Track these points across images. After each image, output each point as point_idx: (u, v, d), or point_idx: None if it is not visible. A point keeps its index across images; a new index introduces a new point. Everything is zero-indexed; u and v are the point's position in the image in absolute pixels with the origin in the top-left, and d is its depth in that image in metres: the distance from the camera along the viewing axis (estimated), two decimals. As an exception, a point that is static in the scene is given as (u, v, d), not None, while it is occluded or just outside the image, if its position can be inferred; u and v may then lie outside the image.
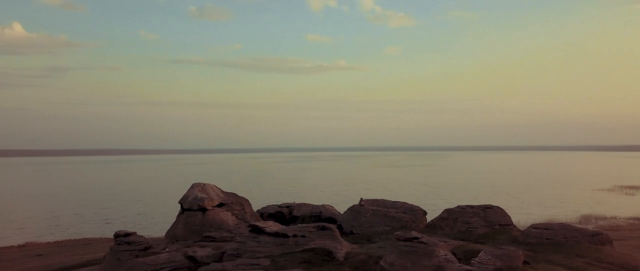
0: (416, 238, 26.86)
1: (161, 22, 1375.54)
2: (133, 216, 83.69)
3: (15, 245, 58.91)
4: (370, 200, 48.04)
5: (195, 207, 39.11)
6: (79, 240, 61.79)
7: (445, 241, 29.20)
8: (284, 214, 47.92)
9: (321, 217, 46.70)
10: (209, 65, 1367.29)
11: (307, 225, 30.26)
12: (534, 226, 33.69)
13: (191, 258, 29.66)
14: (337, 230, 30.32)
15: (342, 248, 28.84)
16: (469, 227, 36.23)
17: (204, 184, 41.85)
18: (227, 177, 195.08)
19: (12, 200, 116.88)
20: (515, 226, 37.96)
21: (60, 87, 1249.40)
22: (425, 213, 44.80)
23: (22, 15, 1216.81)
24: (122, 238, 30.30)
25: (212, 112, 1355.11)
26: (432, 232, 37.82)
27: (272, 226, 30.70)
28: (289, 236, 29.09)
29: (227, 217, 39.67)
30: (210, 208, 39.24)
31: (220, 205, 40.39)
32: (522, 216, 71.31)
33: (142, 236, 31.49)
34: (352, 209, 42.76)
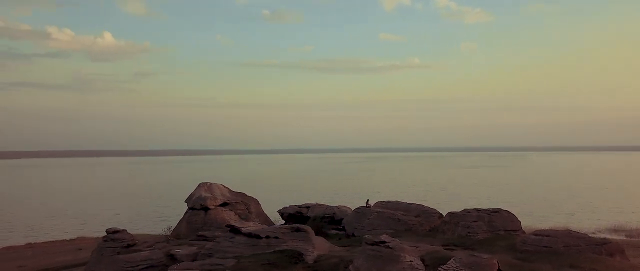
0: (383, 242, 25.68)
1: (236, 27, 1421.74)
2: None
3: (67, 239, 62.82)
4: (384, 201, 46.71)
5: (198, 206, 39.87)
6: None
7: (417, 247, 27.63)
8: (303, 214, 47.70)
9: (334, 218, 46.02)
10: (281, 67, 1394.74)
11: (282, 226, 29.88)
12: (536, 233, 31.14)
13: (170, 257, 30.20)
14: (312, 231, 29.66)
15: (314, 250, 28.15)
16: (469, 232, 34.12)
17: (210, 183, 42.57)
18: (297, 176, 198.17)
19: (90, 196, 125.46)
20: (524, 232, 35.25)
21: (145, 90, 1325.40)
22: (441, 216, 42.85)
23: (111, 25, 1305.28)
24: (110, 235, 31.45)
25: (284, 114, 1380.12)
26: (431, 236, 36.11)
27: (250, 226, 30.59)
28: (261, 238, 28.83)
29: (229, 217, 40.06)
30: (213, 207, 39.83)
31: (224, 204, 40.87)
32: (593, 222, 66.07)
33: (129, 234, 32.52)
34: (357, 210, 41.73)
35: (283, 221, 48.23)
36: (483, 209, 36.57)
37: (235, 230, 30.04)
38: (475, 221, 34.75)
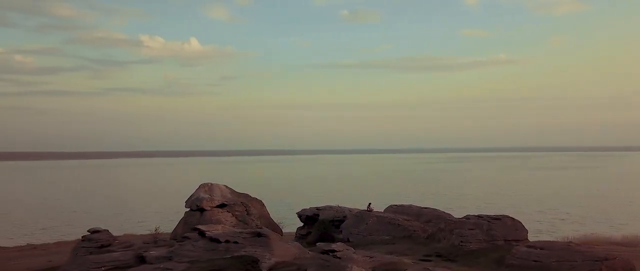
0: (333, 251, 23.62)
1: (315, 29, 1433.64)
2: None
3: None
4: (396, 205, 43.94)
5: (194, 207, 39.58)
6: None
7: (372, 257, 25.07)
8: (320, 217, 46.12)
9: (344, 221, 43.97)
10: (359, 67, 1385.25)
11: (243, 230, 28.57)
12: (530, 245, 27.39)
13: (141, 258, 29.93)
14: (274, 237, 28.07)
15: (271, 257, 26.54)
16: (462, 241, 30.75)
17: (211, 184, 42.19)
18: (371, 176, 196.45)
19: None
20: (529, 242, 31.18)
21: (228, 93, 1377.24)
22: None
23: (197, 31, 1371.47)
24: (88, 235, 31.85)
25: (362, 114, 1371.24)
26: (425, 245, 33.12)
27: (216, 229, 29.60)
28: (221, 242, 27.73)
29: (225, 218, 39.40)
30: (209, 208, 39.35)
31: (222, 205, 40.27)
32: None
33: (109, 234, 32.72)
34: (356, 215, 39.41)
35: (302, 224, 46.98)
36: (485, 216, 32.95)
37: (201, 233, 29.19)
38: (471, 230, 31.31)
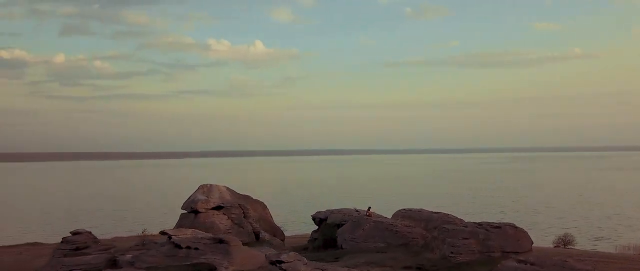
0: (280, 262, 21.49)
1: (379, 27, 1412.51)
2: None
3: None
4: (406, 209, 40.85)
5: (189, 209, 38.61)
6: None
7: (323, 270, 22.51)
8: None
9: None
10: (425, 65, 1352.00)
11: (205, 236, 26.94)
12: (521, 260, 23.79)
13: (113, 262, 29.15)
14: (236, 244, 26.24)
15: (229, 266, 24.75)
16: (452, 252, 27.49)
17: (211, 185, 41.10)
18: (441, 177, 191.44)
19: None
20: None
21: (291, 94, 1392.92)
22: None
23: (262, 34, 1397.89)
24: (67, 237, 31.49)
25: (426, 114, 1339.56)
26: (416, 254, 30.08)
27: (184, 233, 28.20)
28: (181, 248, 26.30)
29: (220, 221, 38.12)
30: (203, 210, 38.22)
31: (219, 208, 39.03)
32: None
33: (90, 236, 32.13)
34: (354, 220, 36.77)
35: (316, 227, 45.07)
36: (485, 223, 29.45)
37: (169, 237, 27.93)
38: (465, 239, 27.98)
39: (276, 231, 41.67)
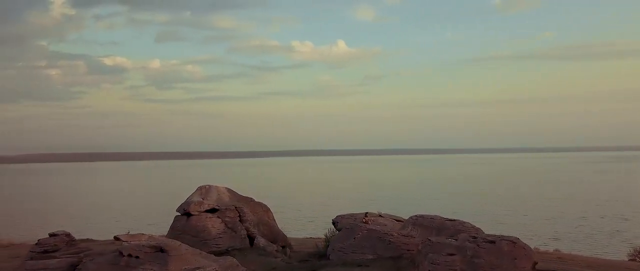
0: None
1: (466, 21, 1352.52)
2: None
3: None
4: (418, 215, 36.18)
5: (181, 211, 36.75)
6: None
7: None
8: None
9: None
10: (515, 59, 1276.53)
11: (147, 244, 24.54)
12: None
13: (75, 267, 27.75)
14: (177, 253, 23.54)
15: (163, 277, 22.15)
16: (430, 270, 22.95)
17: (210, 186, 38.95)
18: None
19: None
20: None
21: (373, 93, 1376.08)
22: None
23: (344, 34, 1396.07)
24: (43, 238, 30.66)
25: (518, 110, 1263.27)
26: (403, 268, 25.79)
27: (138, 239, 26.04)
28: (123, 256, 24.15)
29: (212, 224, 35.85)
30: (196, 213, 36.14)
31: (213, 210, 36.80)
32: None
33: (66, 238, 31.05)
34: (347, 227, 32.83)
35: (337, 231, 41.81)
36: (481, 237, 24.46)
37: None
38: (450, 255, 23.31)
39: (277, 237, 38.77)
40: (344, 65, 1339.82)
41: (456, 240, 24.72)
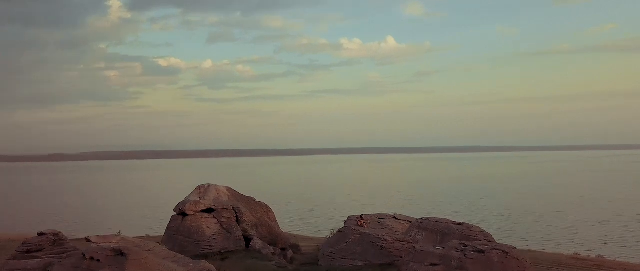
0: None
1: (520, 14, 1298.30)
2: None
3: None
4: (424, 218, 33.39)
5: (177, 211, 35.63)
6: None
7: None
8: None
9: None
10: (575, 53, 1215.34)
11: (109, 247, 23.24)
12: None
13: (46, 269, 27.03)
14: (135, 258, 22.09)
15: (118, 283, 20.78)
16: (408, 282, 20.39)
17: (209, 186, 37.65)
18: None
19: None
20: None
21: (422, 90, 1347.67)
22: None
23: (393, 30, 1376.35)
24: (31, 238, 30.23)
25: (579, 105, 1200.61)
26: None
27: (108, 241, 24.84)
28: (85, 259, 23.01)
29: (208, 224, 34.51)
30: (191, 213, 34.92)
31: (210, 210, 35.46)
32: None
33: (52, 237, 30.49)
34: (340, 230, 30.51)
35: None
36: (472, 245, 21.61)
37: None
38: (433, 266, 20.68)
39: (278, 238, 36.98)
40: (393, 61, 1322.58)
41: (443, 248, 22.05)
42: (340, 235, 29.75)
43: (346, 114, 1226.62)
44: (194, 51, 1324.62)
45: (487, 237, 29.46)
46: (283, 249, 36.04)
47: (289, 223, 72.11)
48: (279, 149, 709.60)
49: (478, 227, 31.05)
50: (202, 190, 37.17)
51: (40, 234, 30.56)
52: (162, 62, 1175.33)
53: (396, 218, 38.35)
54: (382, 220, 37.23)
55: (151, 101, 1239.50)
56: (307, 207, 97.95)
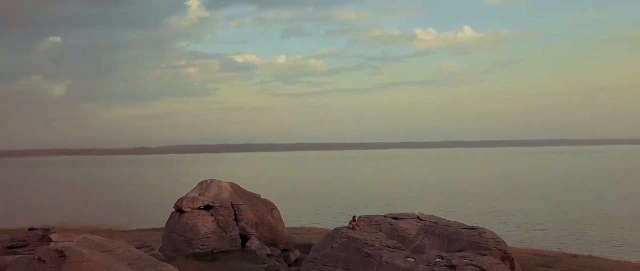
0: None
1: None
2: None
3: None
4: (430, 224, 29.53)
5: (175, 208, 34.15)
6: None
7: None
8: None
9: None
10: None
11: (53, 247, 21.74)
12: None
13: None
14: (75, 260, 20.40)
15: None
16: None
17: (210, 181, 35.81)
18: None
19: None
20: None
21: (499, 80, 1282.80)
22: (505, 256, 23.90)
23: (471, 19, 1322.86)
24: (19, 233, 29.90)
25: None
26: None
27: (71, 238, 23.46)
28: (34, 259, 21.76)
29: (204, 222, 32.72)
30: (188, 210, 33.29)
31: (208, 207, 33.65)
32: None
33: (39, 233, 29.97)
34: (330, 234, 27.32)
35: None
36: (445, 259, 17.86)
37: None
38: (396, 281, 17.20)
39: (279, 238, 34.52)
40: (470, 51, 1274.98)
41: (413, 260, 18.51)
42: (328, 238, 26.69)
43: (421, 106, 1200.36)
44: (269, 47, 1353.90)
45: (498, 245, 25.38)
46: (284, 250, 33.55)
47: (331, 222, 69.69)
48: (350, 143, 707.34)
49: (492, 233, 26.93)
50: (204, 185, 35.49)
51: (30, 229, 30.23)
52: (238, 59, 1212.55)
53: (420, 219, 34.64)
54: (396, 221, 33.69)
55: (228, 96, 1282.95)
56: (360, 202, 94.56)
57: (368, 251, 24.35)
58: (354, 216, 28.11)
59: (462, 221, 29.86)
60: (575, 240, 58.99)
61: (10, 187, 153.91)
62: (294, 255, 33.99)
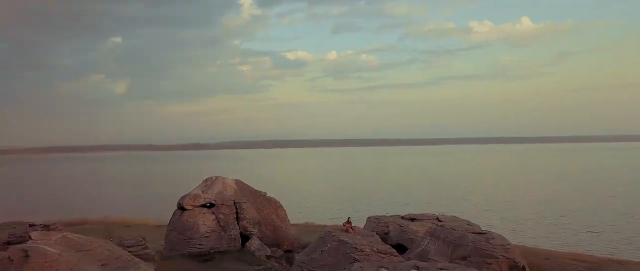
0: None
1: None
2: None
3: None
4: (436, 225, 27.07)
5: (177, 205, 33.29)
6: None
7: None
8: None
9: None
10: None
11: (20, 248, 21.07)
12: None
13: (18, 262, 25.97)
14: (38, 260, 19.60)
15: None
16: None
17: (215, 178, 34.68)
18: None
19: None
20: None
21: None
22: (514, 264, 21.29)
23: (529, 10, 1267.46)
24: (17, 229, 29.81)
25: None
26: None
27: (48, 237, 22.79)
28: (5, 257, 21.20)
29: (204, 221, 31.65)
30: (190, 208, 32.32)
31: (210, 205, 32.56)
32: None
33: (37, 229, 29.75)
34: (322, 236, 25.38)
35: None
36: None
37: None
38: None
39: (282, 238, 32.95)
40: (529, 43, 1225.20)
41: (387, 269, 16.36)
42: (320, 241, 24.85)
43: (476, 101, 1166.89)
44: (319, 43, 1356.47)
45: (507, 253, 22.69)
46: (288, 251, 31.96)
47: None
48: (403, 139, 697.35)
49: (501, 238, 24.23)
50: (209, 182, 34.45)
51: (30, 225, 30.12)
52: (290, 56, 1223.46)
53: (439, 220, 32.20)
54: (407, 223, 31.42)
55: (279, 93, 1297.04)
56: (401, 200, 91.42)
57: (356, 256, 22.36)
58: (348, 218, 26.12)
59: (500, 224, 27.11)
60: (629, 245, 54.03)
61: (72, 180, 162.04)
62: (294, 257, 32.41)
